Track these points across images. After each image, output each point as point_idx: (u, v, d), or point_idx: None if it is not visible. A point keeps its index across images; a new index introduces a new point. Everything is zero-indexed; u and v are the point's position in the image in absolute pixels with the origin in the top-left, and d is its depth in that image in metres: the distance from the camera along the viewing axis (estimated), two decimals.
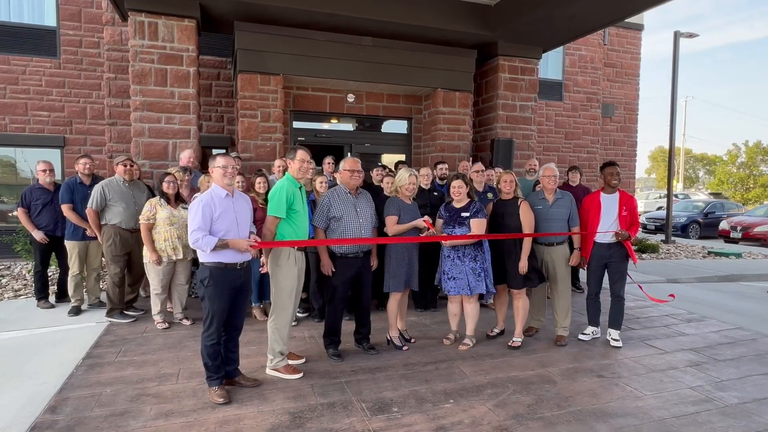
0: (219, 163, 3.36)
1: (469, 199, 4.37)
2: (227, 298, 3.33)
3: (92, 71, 8.86)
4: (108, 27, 8.13)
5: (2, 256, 8.36)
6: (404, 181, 4.27)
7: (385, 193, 5.17)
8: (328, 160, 5.97)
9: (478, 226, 4.24)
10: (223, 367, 3.41)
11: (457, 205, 4.37)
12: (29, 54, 8.57)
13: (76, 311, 5.28)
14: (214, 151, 9.05)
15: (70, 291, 5.33)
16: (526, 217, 4.36)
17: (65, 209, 5.18)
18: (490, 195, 5.42)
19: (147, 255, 4.77)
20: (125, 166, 5.05)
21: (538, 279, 4.47)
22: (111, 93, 8.12)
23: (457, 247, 4.29)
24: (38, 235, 5.37)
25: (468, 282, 4.24)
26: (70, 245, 5.28)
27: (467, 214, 4.28)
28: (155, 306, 4.89)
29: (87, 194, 5.14)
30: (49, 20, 8.70)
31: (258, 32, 6.98)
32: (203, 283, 3.27)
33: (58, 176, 8.71)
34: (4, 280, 7.01)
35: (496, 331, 4.76)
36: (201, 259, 3.31)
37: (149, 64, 6.39)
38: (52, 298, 5.76)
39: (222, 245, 3.23)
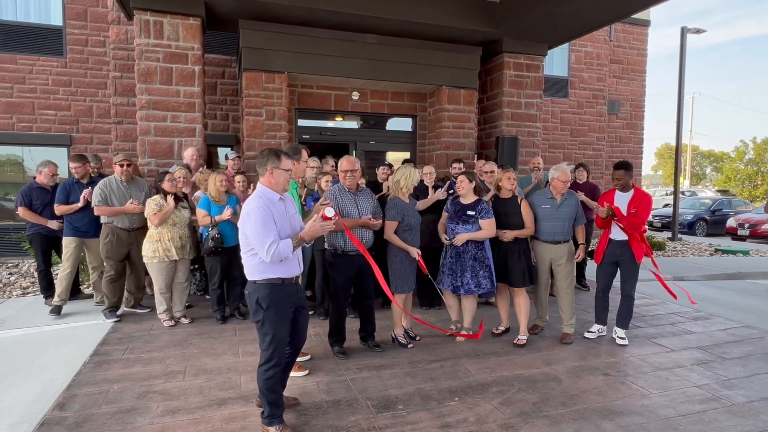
0: (286, 165, 2.87)
1: (476, 197, 4.40)
2: (290, 319, 2.91)
3: (98, 70, 8.91)
4: (114, 26, 8.16)
5: (11, 254, 8.44)
6: (417, 178, 4.30)
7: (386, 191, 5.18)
8: (331, 162, 5.94)
9: (490, 225, 4.31)
10: (282, 398, 2.98)
11: (464, 201, 4.40)
12: (36, 53, 8.63)
13: (58, 311, 5.18)
14: (220, 150, 9.09)
15: (58, 289, 5.20)
16: (528, 215, 4.45)
17: (57, 209, 5.12)
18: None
19: (149, 255, 4.72)
20: (121, 166, 4.96)
21: (530, 277, 4.49)
22: (117, 92, 8.16)
23: (459, 246, 4.34)
24: (54, 225, 5.32)
25: (462, 282, 4.32)
26: (67, 241, 5.23)
27: (473, 213, 4.31)
28: (160, 305, 4.91)
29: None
30: (56, 19, 8.75)
31: (262, 30, 6.99)
32: (260, 306, 2.79)
33: (64, 174, 8.78)
34: (12, 278, 7.07)
35: (501, 328, 4.76)
36: (252, 278, 2.84)
37: (155, 63, 6.41)
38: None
39: (298, 241, 2.85)
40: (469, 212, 4.32)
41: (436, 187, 5.49)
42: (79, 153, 5.56)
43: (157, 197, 4.78)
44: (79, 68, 8.83)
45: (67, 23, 8.74)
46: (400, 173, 4.26)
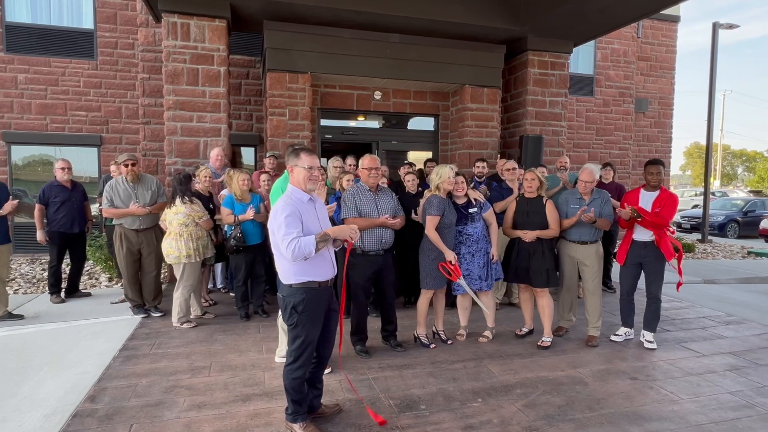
0: (304, 162, 2.72)
1: (467, 198, 4.40)
2: (322, 323, 2.86)
3: (127, 72, 9.15)
4: (142, 28, 8.36)
5: (43, 251, 8.71)
6: (445, 176, 4.16)
7: (408, 190, 5.16)
8: (350, 161, 5.95)
9: (493, 215, 4.47)
10: (309, 397, 2.98)
11: (458, 201, 4.38)
12: (68, 56, 8.91)
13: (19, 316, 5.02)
14: (243, 149, 9.20)
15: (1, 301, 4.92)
16: (552, 216, 4.39)
17: None
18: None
19: (189, 254, 4.68)
20: (126, 166, 4.87)
21: (554, 279, 4.42)
22: (145, 93, 8.35)
23: (470, 244, 4.33)
24: (40, 236, 5.48)
25: (478, 277, 4.33)
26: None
27: (475, 210, 4.33)
28: (179, 311, 4.75)
29: None
30: (87, 23, 9.02)
31: (286, 31, 7.06)
32: (296, 310, 2.73)
33: (95, 174, 9.04)
34: (45, 274, 7.30)
35: (525, 330, 4.69)
36: (288, 281, 2.76)
37: (181, 64, 6.54)
38: (57, 295, 5.78)
39: (323, 239, 2.70)
40: (471, 210, 4.32)
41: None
42: None
43: (198, 203, 4.80)
44: (109, 70, 9.08)
45: (98, 26, 9.00)
46: (434, 172, 4.29)
